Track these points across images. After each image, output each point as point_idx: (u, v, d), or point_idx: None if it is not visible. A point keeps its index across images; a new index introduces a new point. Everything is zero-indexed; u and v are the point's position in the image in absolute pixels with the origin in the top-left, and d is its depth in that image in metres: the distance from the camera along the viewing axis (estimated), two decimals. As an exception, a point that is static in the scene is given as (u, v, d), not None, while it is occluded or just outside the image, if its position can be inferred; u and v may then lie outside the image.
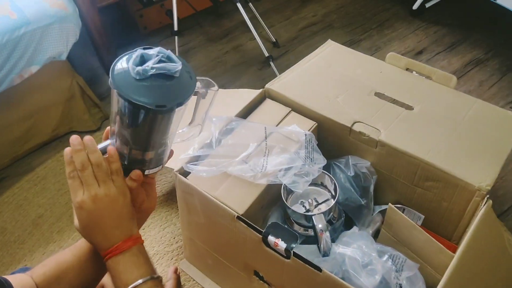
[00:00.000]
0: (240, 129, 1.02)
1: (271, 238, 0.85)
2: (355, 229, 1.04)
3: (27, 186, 1.49)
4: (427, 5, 2.05)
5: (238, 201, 0.92)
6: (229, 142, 0.98)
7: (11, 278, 0.66)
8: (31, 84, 1.45)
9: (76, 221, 0.64)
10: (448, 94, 1.15)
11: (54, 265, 0.71)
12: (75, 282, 0.70)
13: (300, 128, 1.01)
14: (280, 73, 1.69)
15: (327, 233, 0.93)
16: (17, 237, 1.35)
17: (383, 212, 1.11)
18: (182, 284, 1.20)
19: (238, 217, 0.89)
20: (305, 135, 0.98)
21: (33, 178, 1.52)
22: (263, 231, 0.86)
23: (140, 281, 0.62)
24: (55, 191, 1.48)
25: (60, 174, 1.54)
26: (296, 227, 1.03)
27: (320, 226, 0.93)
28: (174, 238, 1.32)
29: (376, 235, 1.12)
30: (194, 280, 1.21)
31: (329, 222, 1.01)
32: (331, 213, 1.01)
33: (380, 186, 1.13)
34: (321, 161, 0.95)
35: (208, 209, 0.95)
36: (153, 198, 0.75)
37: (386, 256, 0.84)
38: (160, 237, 1.32)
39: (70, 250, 0.72)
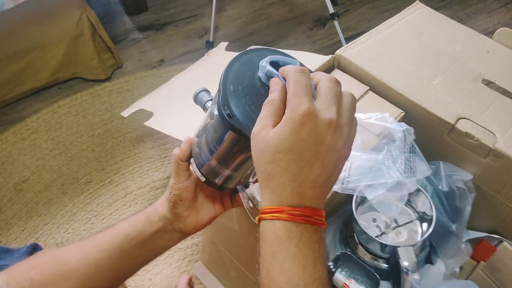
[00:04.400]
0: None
1: (339, 277, 0.64)
2: (440, 265, 0.80)
3: (13, 140, 1.26)
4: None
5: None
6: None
7: None
8: (29, 12, 1.24)
9: (272, 135, 0.38)
10: None
11: (50, 267, 0.52)
12: None
13: (394, 120, 0.71)
14: (343, 37, 1.41)
15: (416, 276, 0.69)
16: (-7, 204, 1.11)
17: (472, 241, 0.87)
18: (194, 294, 0.94)
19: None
20: (403, 131, 0.68)
21: (22, 131, 1.29)
22: (329, 263, 0.65)
23: None
24: (47, 150, 1.24)
25: (55, 130, 1.29)
26: (361, 251, 0.77)
27: (406, 264, 0.70)
28: (189, 231, 1.05)
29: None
30: (209, 291, 0.95)
31: (410, 254, 0.74)
32: (418, 243, 0.74)
33: (474, 206, 0.87)
34: (424, 171, 0.67)
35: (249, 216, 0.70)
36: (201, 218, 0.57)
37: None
38: (172, 228, 1.06)
39: (79, 248, 0.54)
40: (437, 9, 1.63)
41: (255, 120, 0.39)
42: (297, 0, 1.71)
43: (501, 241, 0.89)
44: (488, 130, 0.78)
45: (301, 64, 0.43)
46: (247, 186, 0.53)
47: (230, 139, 0.45)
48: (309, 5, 1.64)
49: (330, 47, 1.63)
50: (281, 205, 0.38)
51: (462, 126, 0.79)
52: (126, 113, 1.09)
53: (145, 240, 0.55)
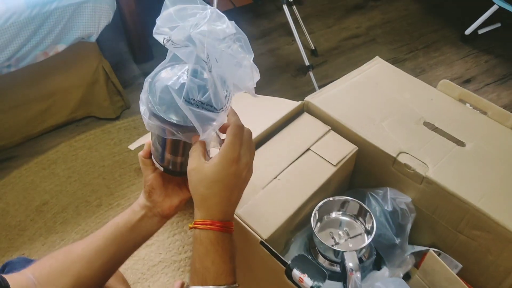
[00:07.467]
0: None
1: (296, 273, 0.76)
2: (385, 270, 0.95)
3: (36, 169, 1.42)
4: (480, 31, 1.92)
5: (263, 223, 0.83)
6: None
7: (8, 278, 0.60)
8: (55, 63, 1.38)
9: (209, 169, 0.56)
10: (504, 134, 1.04)
11: (62, 256, 0.66)
12: (83, 274, 0.65)
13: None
14: (317, 84, 1.61)
15: (358, 274, 0.84)
16: (18, 222, 1.28)
17: (416, 254, 1.01)
18: (186, 300, 1.11)
19: (261, 242, 0.80)
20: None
21: (43, 161, 1.44)
22: (288, 263, 0.77)
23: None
24: (64, 178, 1.40)
25: (71, 161, 1.45)
26: (320, 259, 0.93)
27: (351, 265, 0.84)
28: (183, 247, 1.22)
29: (405, 278, 1.02)
30: (199, 297, 1.11)
31: (359, 259, 0.90)
32: (363, 251, 0.91)
33: (417, 225, 1.02)
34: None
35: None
36: (172, 204, 0.71)
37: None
38: (169, 244, 1.23)
39: (83, 241, 0.68)
40: (404, 60, 1.86)
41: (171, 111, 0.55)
42: (282, 52, 1.86)
43: (439, 254, 1.04)
44: (423, 162, 0.93)
45: None
46: None
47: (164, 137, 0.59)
48: (292, 57, 1.79)
49: (310, 92, 1.80)
50: (213, 219, 0.56)
51: (402, 158, 0.93)
52: (133, 146, 1.24)
53: (132, 226, 0.68)
